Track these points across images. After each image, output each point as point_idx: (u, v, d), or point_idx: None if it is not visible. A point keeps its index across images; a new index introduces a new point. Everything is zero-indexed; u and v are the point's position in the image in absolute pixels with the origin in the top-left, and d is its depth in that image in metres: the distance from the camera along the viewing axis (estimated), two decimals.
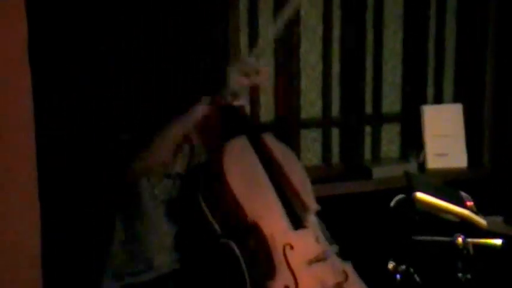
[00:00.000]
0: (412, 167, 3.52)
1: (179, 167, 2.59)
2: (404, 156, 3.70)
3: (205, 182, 2.46)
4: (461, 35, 3.73)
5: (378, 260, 2.46)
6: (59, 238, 2.48)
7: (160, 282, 2.53)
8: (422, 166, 3.57)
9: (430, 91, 3.76)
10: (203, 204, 2.40)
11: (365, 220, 3.31)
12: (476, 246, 2.21)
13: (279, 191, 2.47)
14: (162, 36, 2.90)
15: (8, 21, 1.71)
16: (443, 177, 3.44)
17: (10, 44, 1.72)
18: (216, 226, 2.38)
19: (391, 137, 3.73)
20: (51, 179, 2.46)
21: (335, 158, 3.60)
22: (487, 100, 3.70)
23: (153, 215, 2.53)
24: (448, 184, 3.12)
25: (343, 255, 2.53)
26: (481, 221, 2.35)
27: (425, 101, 3.71)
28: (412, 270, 2.36)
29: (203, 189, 2.44)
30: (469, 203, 2.49)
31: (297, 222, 2.45)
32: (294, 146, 3.46)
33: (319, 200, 3.24)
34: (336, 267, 2.44)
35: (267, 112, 3.42)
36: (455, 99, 3.77)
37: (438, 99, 3.76)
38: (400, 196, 2.45)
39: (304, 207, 2.50)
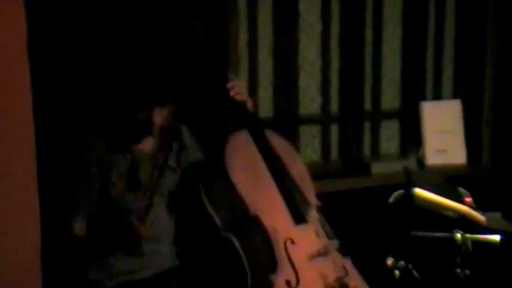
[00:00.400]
0: (411, 163, 3.52)
1: (169, 160, 2.60)
2: (403, 153, 3.71)
3: (207, 174, 2.47)
4: (460, 31, 3.74)
5: (377, 256, 2.46)
6: (59, 237, 2.48)
7: (162, 279, 2.53)
8: (421, 162, 3.57)
9: (429, 87, 3.76)
10: (204, 196, 2.41)
11: (364, 216, 3.31)
12: (475, 242, 2.21)
13: (280, 185, 2.49)
14: (162, 38, 2.90)
15: (8, 20, 1.71)
16: (442, 173, 3.44)
17: (10, 43, 1.72)
18: (217, 219, 2.39)
19: (390, 133, 3.74)
20: (51, 178, 2.46)
21: (334, 154, 3.61)
22: (486, 96, 3.70)
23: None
24: (447, 180, 3.13)
25: (342, 250, 2.54)
26: (479, 217, 2.35)
27: (424, 98, 3.71)
28: (410, 266, 2.36)
29: (204, 181, 2.45)
30: (468, 199, 2.50)
31: (299, 217, 2.47)
32: (293, 142, 3.47)
33: (318, 196, 3.26)
34: (337, 262, 2.45)
35: (266, 108, 3.43)
36: (454, 96, 3.77)
37: (437, 96, 3.76)
38: (399, 192, 2.45)
39: (306, 202, 2.53)
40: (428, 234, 2.32)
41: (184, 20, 2.91)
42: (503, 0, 3.61)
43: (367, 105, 3.64)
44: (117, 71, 2.60)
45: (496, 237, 2.20)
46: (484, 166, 3.70)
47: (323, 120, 3.57)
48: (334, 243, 2.55)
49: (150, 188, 2.50)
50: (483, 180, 3.48)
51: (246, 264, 2.34)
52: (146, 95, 2.51)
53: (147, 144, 2.58)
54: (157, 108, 2.53)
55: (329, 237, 2.58)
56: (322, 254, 2.43)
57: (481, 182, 3.28)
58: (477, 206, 2.48)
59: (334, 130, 3.60)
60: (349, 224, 3.32)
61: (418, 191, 2.34)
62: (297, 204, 2.49)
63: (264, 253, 2.35)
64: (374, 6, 3.57)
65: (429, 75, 3.75)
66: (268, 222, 2.37)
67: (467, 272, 2.20)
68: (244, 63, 3.30)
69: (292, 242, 2.37)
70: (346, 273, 2.45)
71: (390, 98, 3.71)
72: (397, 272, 2.33)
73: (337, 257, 2.50)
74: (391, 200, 2.45)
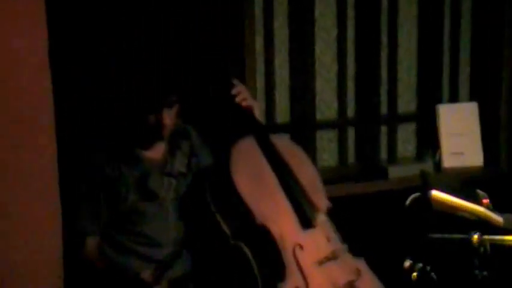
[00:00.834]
0: (428, 166, 3.53)
1: (179, 165, 2.61)
2: (420, 156, 3.71)
3: (214, 183, 2.47)
4: (476, 33, 3.73)
5: (395, 259, 2.47)
6: (79, 238, 2.49)
7: (178, 285, 2.54)
8: (438, 165, 3.57)
9: (446, 90, 3.76)
10: (212, 206, 2.41)
11: (381, 219, 3.32)
12: (493, 243, 2.21)
13: (287, 191, 2.49)
14: (178, 38, 2.92)
15: (29, 26, 1.74)
16: (459, 176, 3.44)
17: (31, 49, 1.75)
18: (226, 228, 2.39)
19: (406, 137, 3.74)
20: (72, 179, 2.49)
21: (351, 158, 3.62)
22: (503, 98, 3.69)
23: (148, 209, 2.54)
24: (464, 183, 3.12)
25: (359, 253, 2.54)
26: (497, 218, 2.34)
27: (440, 100, 3.71)
28: (428, 268, 2.36)
29: (211, 191, 2.44)
30: (485, 201, 2.49)
31: (307, 222, 2.47)
32: (310, 147, 3.49)
33: (336, 199, 3.26)
34: (348, 265, 2.44)
35: (282, 113, 3.45)
36: (470, 98, 3.77)
37: (453, 98, 3.76)
38: (416, 194, 2.46)
39: (313, 207, 2.52)
40: (446, 236, 2.32)
41: (184, 21, 2.92)
42: None
43: (384, 109, 3.65)
44: (117, 71, 2.59)
45: None
46: (501, 168, 3.69)
47: (340, 124, 3.58)
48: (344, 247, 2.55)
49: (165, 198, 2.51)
50: (501, 182, 3.47)
51: (256, 272, 2.33)
52: (149, 95, 2.47)
53: (158, 151, 2.57)
54: (166, 109, 2.49)
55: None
56: (333, 258, 2.42)
57: (499, 184, 3.27)
58: (495, 208, 2.48)
59: (351, 134, 3.61)
60: (367, 227, 3.34)
61: (435, 193, 2.34)
62: (304, 209, 2.48)
63: (272, 260, 2.35)
64: (389, 10, 3.58)
65: (445, 78, 3.75)
66: (275, 229, 2.37)
67: (485, 273, 2.20)
68: (260, 69, 3.33)
69: (301, 248, 2.37)
70: (359, 275, 2.44)
71: (406, 101, 3.71)
72: (415, 274, 2.34)
73: (349, 259, 2.49)
74: (407, 202, 2.45)
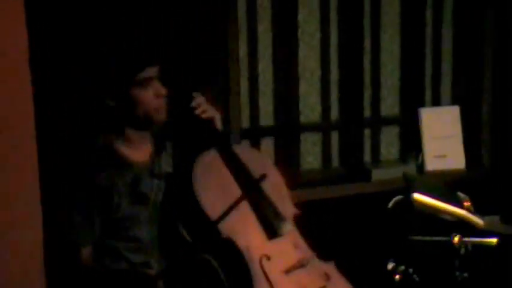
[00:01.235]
0: (411, 169, 3.55)
1: (166, 165, 2.59)
2: (403, 159, 3.73)
3: (179, 200, 2.45)
4: (458, 38, 3.76)
5: (378, 261, 2.49)
6: (60, 233, 2.48)
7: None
8: (421, 168, 3.60)
9: (428, 94, 3.79)
10: (179, 222, 2.39)
11: (365, 222, 3.34)
12: (473, 245, 2.24)
13: (252, 202, 2.46)
14: (162, 39, 2.92)
15: (9, 23, 1.73)
16: (441, 178, 3.47)
17: (11, 46, 1.74)
18: (194, 241, 2.37)
19: (390, 140, 3.76)
20: (52, 176, 2.47)
21: (335, 161, 3.64)
22: (485, 102, 3.73)
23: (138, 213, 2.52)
24: (447, 185, 3.15)
25: (342, 255, 2.55)
26: (477, 220, 2.37)
27: (423, 104, 3.74)
28: (411, 270, 2.38)
29: (177, 207, 2.43)
30: (467, 203, 2.51)
31: (273, 232, 2.44)
32: (294, 150, 3.51)
33: (319, 202, 3.29)
34: (317, 271, 2.43)
35: (266, 117, 3.46)
36: (453, 102, 3.80)
37: (436, 102, 3.79)
38: (398, 197, 2.48)
39: (279, 216, 2.49)
40: (427, 238, 2.35)
41: (167, 26, 2.92)
42: (500, 7, 3.64)
43: (367, 112, 3.67)
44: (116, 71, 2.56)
45: (493, 240, 2.23)
46: (483, 171, 3.72)
47: (323, 128, 3.60)
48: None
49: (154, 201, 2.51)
50: (483, 184, 3.50)
51: (225, 285, 2.32)
52: None
53: (145, 153, 2.54)
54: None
55: None
56: (300, 265, 2.40)
57: (481, 187, 3.30)
58: (477, 211, 2.50)
59: (335, 137, 3.63)
60: (350, 229, 3.36)
61: (417, 196, 2.36)
62: (269, 219, 2.45)
63: (240, 273, 2.32)
64: (372, 14, 3.60)
65: (428, 82, 3.77)
66: (241, 242, 2.35)
67: (465, 274, 2.23)
68: (244, 73, 3.34)
69: (268, 259, 2.35)
70: (328, 279, 2.44)
71: (390, 105, 3.74)
72: (397, 276, 2.36)
73: (318, 265, 2.47)
74: (390, 205, 2.48)
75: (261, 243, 2.39)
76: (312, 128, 3.57)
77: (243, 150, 2.63)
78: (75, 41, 2.79)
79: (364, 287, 2.53)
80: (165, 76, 2.51)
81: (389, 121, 3.74)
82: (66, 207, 2.46)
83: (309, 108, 3.56)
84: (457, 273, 2.25)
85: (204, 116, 2.59)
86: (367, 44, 3.62)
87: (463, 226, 2.35)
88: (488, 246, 2.23)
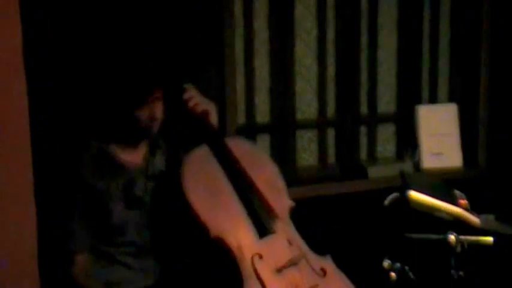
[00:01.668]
0: (407, 166, 3.55)
1: (160, 164, 2.57)
2: (399, 156, 3.73)
3: (169, 198, 2.43)
4: (455, 35, 3.76)
5: (374, 258, 2.48)
6: (55, 235, 2.47)
7: None
8: (417, 165, 3.60)
9: (425, 91, 3.78)
10: (170, 220, 2.38)
11: (361, 219, 3.33)
12: (469, 243, 2.23)
13: (243, 200, 2.42)
14: (157, 37, 2.91)
15: (2, 23, 1.72)
16: (438, 176, 3.46)
17: (5, 46, 1.73)
18: (186, 241, 2.37)
19: (386, 137, 3.76)
20: (46, 177, 2.46)
21: (331, 158, 3.63)
22: (482, 99, 3.72)
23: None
24: (443, 183, 3.14)
25: (337, 252, 2.54)
26: (473, 219, 2.36)
27: (420, 101, 3.73)
28: (407, 268, 2.37)
29: (168, 205, 2.41)
30: (463, 201, 2.50)
31: (264, 230, 2.40)
32: (290, 146, 3.50)
33: (315, 199, 3.29)
34: (311, 268, 2.40)
35: (263, 113, 3.45)
36: (450, 99, 3.79)
37: (433, 99, 3.78)
38: (394, 195, 2.47)
39: (272, 213, 2.45)
40: (423, 236, 2.34)
41: (163, 21, 2.90)
42: (497, 5, 3.63)
43: (364, 109, 3.66)
44: (112, 73, 2.54)
45: (489, 239, 2.22)
46: (480, 169, 3.72)
47: (320, 124, 3.59)
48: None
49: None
50: (479, 182, 3.50)
51: (217, 285, 2.31)
52: (134, 92, 2.42)
53: (139, 155, 2.52)
54: (156, 102, 2.45)
55: None
56: (293, 264, 2.36)
57: (477, 185, 3.30)
58: (473, 209, 2.49)
59: (331, 134, 3.62)
60: (346, 227, 3.36)
61: (413, 194, 2.35)
62: (261, 217, 2.41)
63: (231, 272, 2.29)
64: (369, 12, 3.60)
65: (425, 79, 3.77)
66: (232, 241, 2.31)
67: (461, 273, 2.22)
68: (240, 69, 3.33)
69: (260, 257, 2.31)
70: (324, 275, 2.42)
71: (386, 102, 3.73)
72: (393, 274, 2.35)
73: (313, 260, 2.44)
74: (386, 202, 2.47)
75: (253, 242, 2.36)
76: (308, 124, 3.57)
77: (237, 144, 2.57)
78: (73, 40, 2.78)
79: (359, 284, 2.53)
80: (161, 74, 2.50)
81: (386, 118, 3.74)
82: (60, 213, 2.45)
83: (305, 104, 3.55)
84: (453, 271, 2.23)
85: (197, 109, 2.55)
86: (364, 40, 3.61)
87: (459, 224, 2.34)
88: (485, 245, 2.22)
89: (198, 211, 2.32)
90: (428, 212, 2.38)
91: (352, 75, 3.60)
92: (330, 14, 3.52)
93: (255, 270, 2.28)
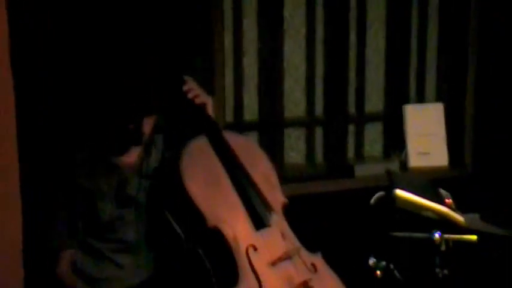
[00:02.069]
0: (394, 165, 3.56)
1: (155, 161, 2.56)
2: (387, 155, 3.74)
3: (166, 186, 2.42)
4: (443, 35, 3.77)
5: (359, 257, 2.49)
6: (39, 229, 2.48)
7: None
8: (404, 165, 3.61)
9: (413, 90, 3.80)
10: (165, 209, 2.37)
11: (347, 218, 3.34)
12: (453, 242, 2.25)
13: (240, 191, 2.43)
14: (145, 35, 2.91)
15: None
16: (424, 175, 3.47)
17: None
18: (180, 231, 2.35)
19: (374, 136, 3.77)
20: (32, 174, 2.46)
21: (319, 156, 3.64)
22: (468, 100, 3.74)
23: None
24: (429, 182, 3.16)
25: (323, 251, 2.55)
26: (458, 218, 2.38)
27: (407, 101, 3.75)
28: (392, 266, 2.39)
29: (164, 194, 2.40)
30: (448, 201, 2.52)
31: (260, 223, 2.41)
32: (278, 144, 3.51)
33: (302, 197, 3.29)
34: (304, 263, 2.41)
35: (251, 111, 3.46)
36: (437, 99, 3.81)
37: (420, 99, 3.80)
38: (380, 193, 2.48)
39: (268, 207, 2.46)
40: (408, 234, 2.36)
41: (151, 17, 2.90)
42: (485, 5, 3.65)
43: (351, 108, 3.67)
44: (98, 71, 2.53)
45: (473, 237, 2.24)
46: (466, 168, 3.74)
47: (308, 123, 3.60)
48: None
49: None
50: (465, 182, 3.52)
51: (211, 275, 2.29)
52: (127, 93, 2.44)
53: (133, 154, 2.52)
54: (145, 118, 2.48)
55: None
56: (287, 257, 2.37)
57: (463, 184, 3.32)
58: (459, 208, 2.51)
59: (319, 133, 3.63)
60: (332, 225, 3.37)
61: (399, 192, 2.37)
62: (257, 209, 2.42)
63: (226, 262, 2.30)
64: (358, 10, 3.60)
65: (412, 79, 3.78)
66: (228, 231, 2.32)
67: (445, 271, 2.24)
68: (229, 67, 3.33)
69: (255, 249, 2.32)
70: (315, 271, 2.44)
71: (374, 101, 3.74)
72: (378, 272, 2.37)
73: (305, 256, 2.45)
74: (372, 201, 2.48)
75: (248, 234, 2.36)
76: (296, 123, 3.58)
77: (234, 138, 2.57)
78: (66, 38, 2.77)
79: (345, 282, 2.54)
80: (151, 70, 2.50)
81: (373, 117, 3.74)
82: (47, 211, 2.44)
83: (294, 103, 3.56)
84: (438, 269, 2.26)
85: (196, 101, 2.55)
86: (353, 39, 3.62)
87: (444, 223, 2.36)
88: (469, 243, 2.24)
89: (196, 200, 2.32)
90: (414, 211, 2.40)
91: (340, 74, 3.61)
92: (319, 12, 3.53)
93: (250, 262, 2.29)
